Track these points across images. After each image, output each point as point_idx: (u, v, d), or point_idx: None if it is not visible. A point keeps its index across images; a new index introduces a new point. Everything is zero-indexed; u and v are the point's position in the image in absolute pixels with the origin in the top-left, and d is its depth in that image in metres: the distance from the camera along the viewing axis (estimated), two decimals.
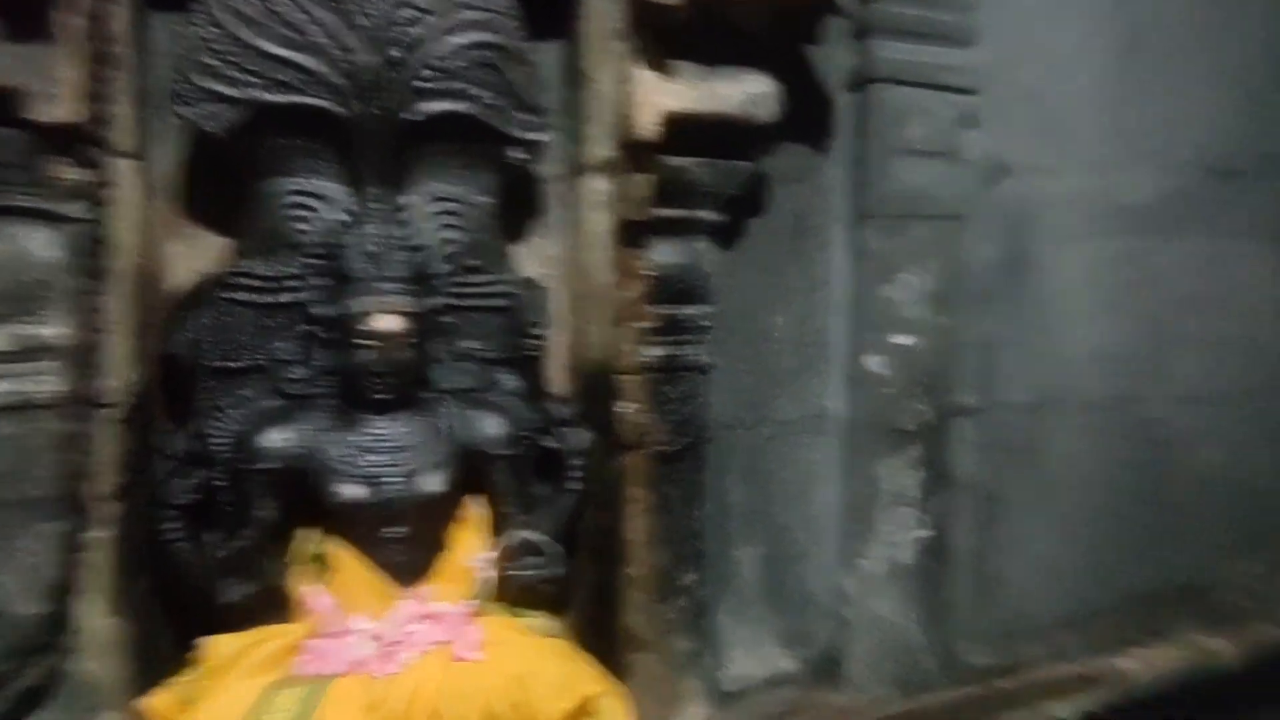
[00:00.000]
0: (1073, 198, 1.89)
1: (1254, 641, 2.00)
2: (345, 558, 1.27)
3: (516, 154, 1.41)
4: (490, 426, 1.39)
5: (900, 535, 1.64)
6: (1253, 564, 2.21)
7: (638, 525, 1.43)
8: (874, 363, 1.59)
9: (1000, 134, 1.76)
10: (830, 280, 1.62)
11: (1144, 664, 1.88)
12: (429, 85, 1.34)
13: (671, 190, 1.35)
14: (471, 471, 1.39)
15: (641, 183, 1.33)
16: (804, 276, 1.61)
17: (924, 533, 1.66)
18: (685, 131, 1.31)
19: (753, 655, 1.61)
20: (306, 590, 1.25)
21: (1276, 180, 2.13)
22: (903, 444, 1.63)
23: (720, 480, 1.57)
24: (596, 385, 1.47)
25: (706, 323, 1.45)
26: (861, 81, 1.57)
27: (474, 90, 1.36)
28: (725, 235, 1.51)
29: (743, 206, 1.52)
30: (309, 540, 1.30)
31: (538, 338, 1.48)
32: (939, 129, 1.61)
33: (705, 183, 1.37)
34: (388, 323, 1.29)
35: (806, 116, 1.56)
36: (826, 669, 1.65)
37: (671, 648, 1.47)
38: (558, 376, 1.54)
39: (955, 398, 1.71)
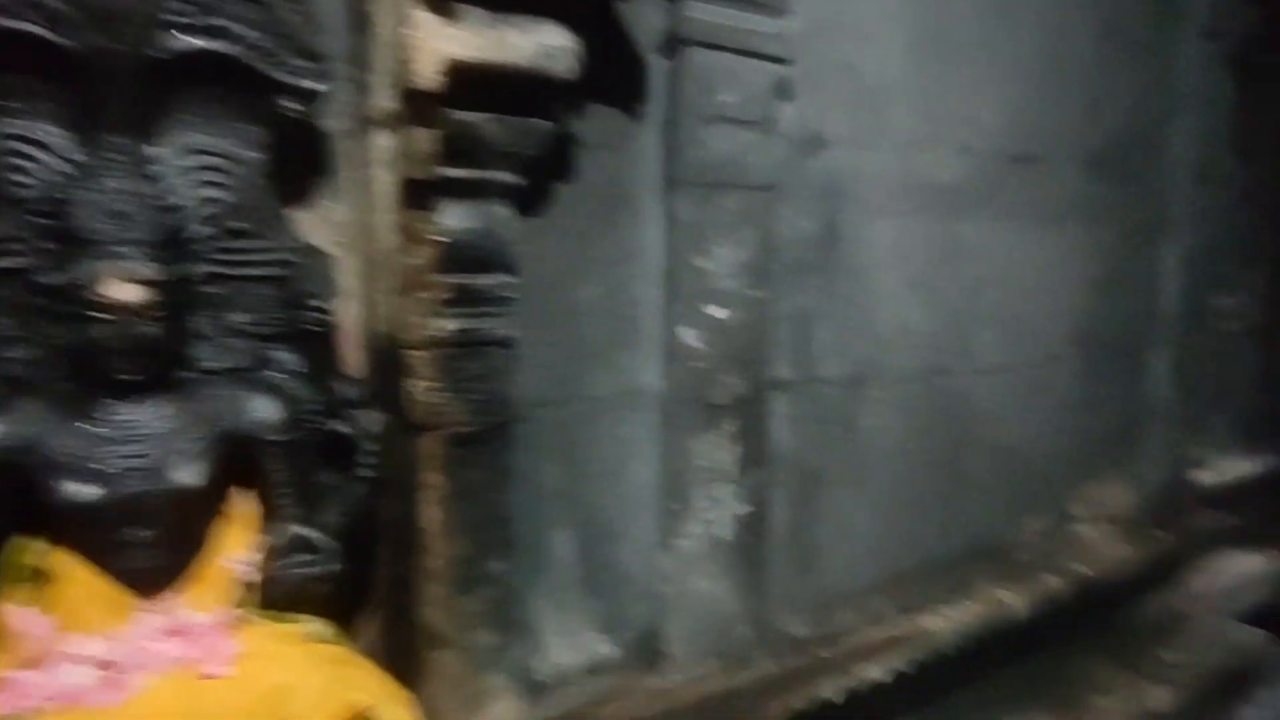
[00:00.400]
0: (885, 174, 1.94)
1: (1040, 592, 2.16)
2: (71, 568, 1.08)
3: (290, 104, 1.25)
4: (261, 409, 1.23)
5: (718, 511, 1.62)
6: (1038, 521, 2.40)
7: (434, 513, 1.32)
8: (688, 336, 1.55)
9: (815, 106, 1.77)
10: (643, 250, 1.56)
11: (948, 621, 1.99)
12: (180, 19, 1.16)
13: (461, 148, 1.23)
14: (241, 461, 1.22)
15: (426, 138, 1.21)
16: (616, 246, 1.54)
17: (742, 508, 1.65)
18: (473, 83, 1.19)
19: (570, 643, 1.54)
20: (14, 612, 1.04)
21: (1064, 167, 2.30)
22: (718, 419, 1.60)
23: (531, 461, 1.48)
24: (388, 362, 1.34)
25: (508, 294, 1.36)
26: (674, 44, 1.51)
27: (236, 28, 1.19)
28: (529, 201, 1.42)
29: (547, 171, 1.43)
30: (23, 550, 1.09)
31: (321, 311, 1.33)
32: (752, 97, 1.59)
33: (499, 141, 1.26)
34: (126, 292, 1.11)
35: (617, 78, 1.49)
36: (646, 651, 1.62)
37: (475, 643, 1.38)
38: (349, 353, 1.39)
39: (770, 371, 1.71)
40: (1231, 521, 3.61)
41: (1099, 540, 2.46)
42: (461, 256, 1.27)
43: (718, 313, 1.57)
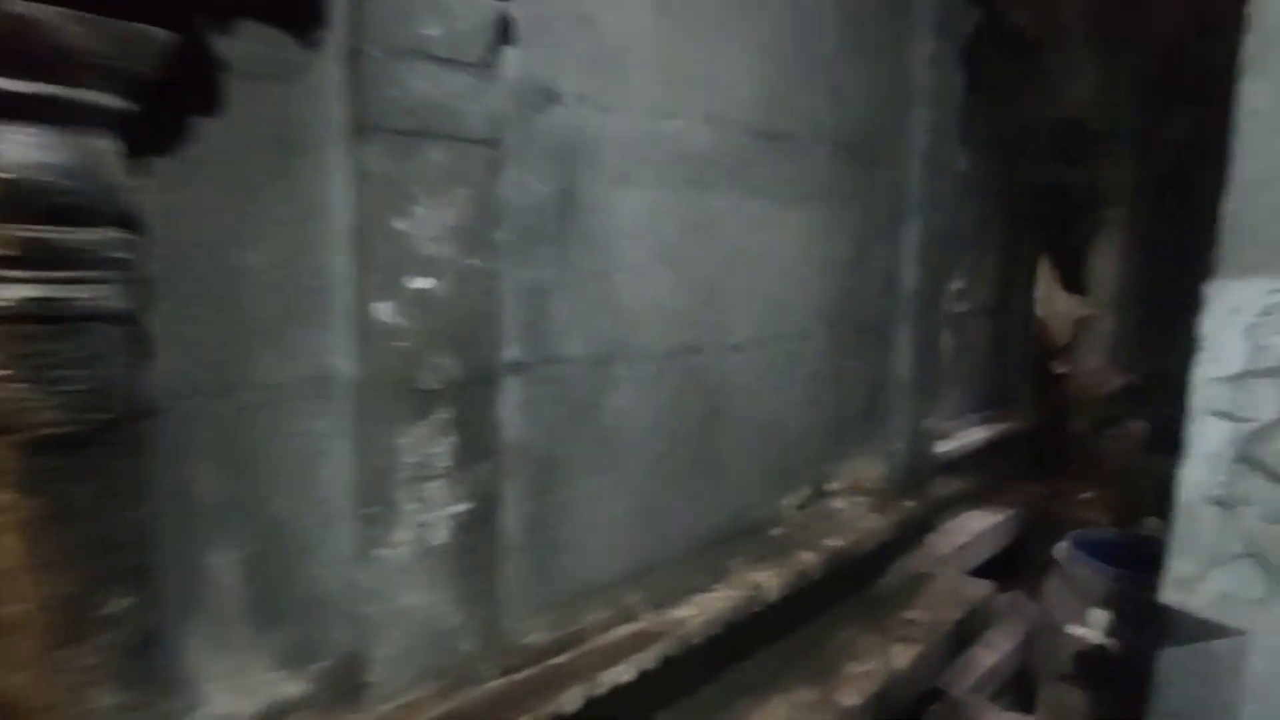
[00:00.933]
0: (629, 139, 1.81)
1: (795, 570, 2.16)
2: None
3: None
4: None
5: (430, 513, 1.40)
6: (796, 497, 2.42)
7: (10, 543, 1.00)
8: (385, 311, 1.32)
9: (546, 57, 1.59)
10: (327, 209, 1.30)
11: (700, 610, 1.92)
12: None
13: (23, 52, 0.91)
14: None
15: None
16: (291, 202, 1.27)
17: (461, 507, 1.45)
18: None
19: (239, 686, 1.26)
20: None
21: (814, 148, 2.31)
22: (428, 407, 1.39)
23: (179, 466, 1.18)
24: None
25: (122, 254, 1.05)
26: None
27: None
28: (162, 138, 1.11)
29: (190, 101, 1.14)
30: None
31: None
32: (463, 34, 1.37)
33: (89, 50, 0.96)
34: None
35: None
36: (345, 683, 1.37)
37: (91, 707, 1.07)
38: None
39: (494, 351, 1.52)
40: (968, 485, 3.96)
41: (852, 512, 2.53)
42: (31, 200, 0.95)
43: (424, 284, 1.35)
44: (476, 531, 1.49)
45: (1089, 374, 5.39)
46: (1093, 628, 2.91)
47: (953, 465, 3.72)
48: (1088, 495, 4.56)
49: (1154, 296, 5.23)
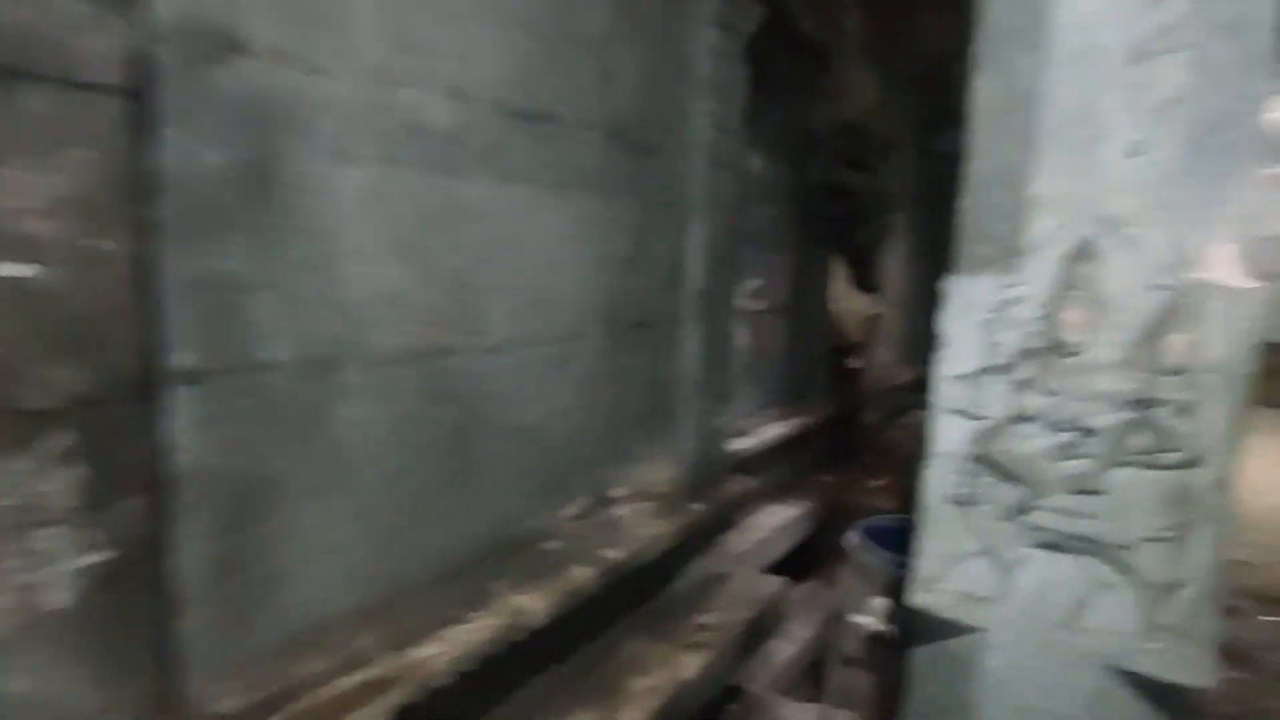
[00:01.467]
0: (352, 108, 1.55)
1: (568, 587, 2.00)
2: None
3: None
4: None
5: (42, 570, 1.08)
6: (572, 507, 2.26)
7: None
8: None
9: None
10: None
11: (448, 645, 1.69)
12: None
13: None
14: None
15: None
16: None
17: (95, 557, 1.14)
18: None
19: None
20: None
21: (582, 134, 2.15)
22: (35, 431, 1.07)
23: None
24: None
25: None
26: None
27: None
28: None
29: None
30: None
31: None
32: None
33: None
34: None
35: None
36: None
37: None
38: None
39: (150, 358, 1.21)
40: (766, 481, 4.01)
41: (636, 519, 2.40)
42: None
43: (16, 271, 1.03)
44: (122, 586, 1.17)
45: (880, 368, 5.72)
46: (873, 614, 2.99)
47: (750, 462, 3.75)
48: (879, 484, 4.81)
49: (937, 295, 5.64)
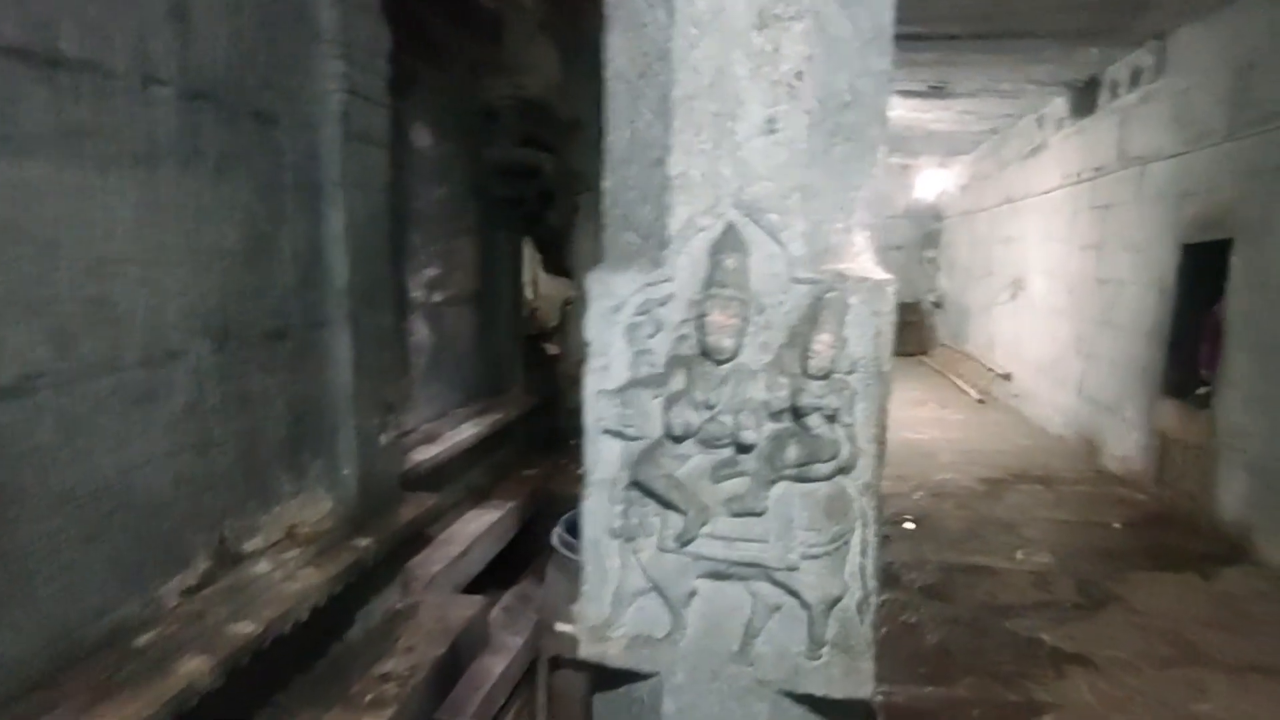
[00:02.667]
0: None
1: (168, 694, 1.52)
2: None
3: None
4: None
5: None
6: (178, 580, 1.76)
7: None
8: None
9: None
10: None
11: None
12: None
13: None
14: None
15: None
16: None
17: None
18: None
19: None
20: None
21: (146, 91, 1.63)
22: None
23: None
24: None
25: None
26: None
27: None
28: None
29: None
30: None
31: None
32: None
33: None
34: None
35: None
36: None
37: None
38: None
39: None
40: (462, 487, 3.70)
41: (281, 575, 1.95)
42: None
43: None
44: None
45: (581, 351, 5.67)
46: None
47: (442, 470, 3.41)
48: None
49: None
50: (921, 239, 12.44)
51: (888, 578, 4.05)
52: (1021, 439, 7.13)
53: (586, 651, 1.16)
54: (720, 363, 1.02)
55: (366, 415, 2.37)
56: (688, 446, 1.04)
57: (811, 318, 0.98)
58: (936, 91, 7.80)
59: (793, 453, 0.99)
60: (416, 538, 2.82)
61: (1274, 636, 3.50)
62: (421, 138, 3.40)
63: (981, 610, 3.77)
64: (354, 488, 2.33)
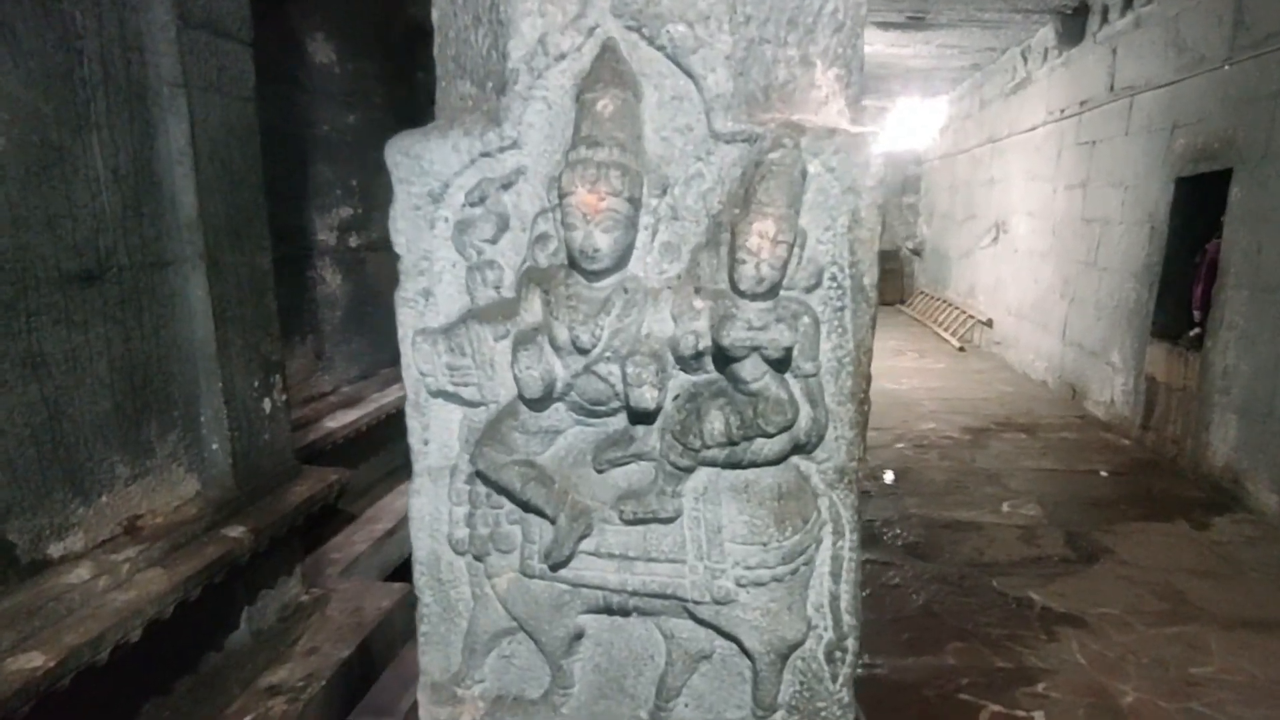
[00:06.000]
0: None
1: None
2: None
3: None
4: None
5: None
6: None
7: None
8: None
9: None
10: None
11: None
12: None
13: None
14: None
15: None
16: None
17: None
18: None
19: None
20: None
21: None
22: None
23: None
24: None
25: None
26: None
27: None
28: None
29: None
30: None
31: None
32: None
33: None
34: None
35: None
36: None
37: None
38: None
39: None
40: (388, 455, 3.29)
41: (102, 584, 1.54)
42: None
43: None
44: None
45: None
46: None
47: (365, 438, 3.00)
48: None
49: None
50: (900, 184, 12.03)
51: (867, 536, 3.77)
52: (1004, 386, 6.88)
53: (429, 717, 0.77)
54: (596, 276, 0.60)
55: (239, 377, 1.94)
56: (554, 414, 0.64)
57: (744, 198, 0.57)
58: (915, 22, 7.30)
59: (717, 422, 0.59)
60: (326, 518, 2.42)
61: (1269, 586, 3.28)
62: (323, 52, 2.90)
63: (968, 568, 3.51)
64: (225, 466, 1.92)
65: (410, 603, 2.07)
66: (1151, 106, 5.23)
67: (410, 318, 0.72)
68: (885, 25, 7.30)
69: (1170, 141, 4.97)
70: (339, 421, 2.81)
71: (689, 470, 0.65)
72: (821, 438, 0.64)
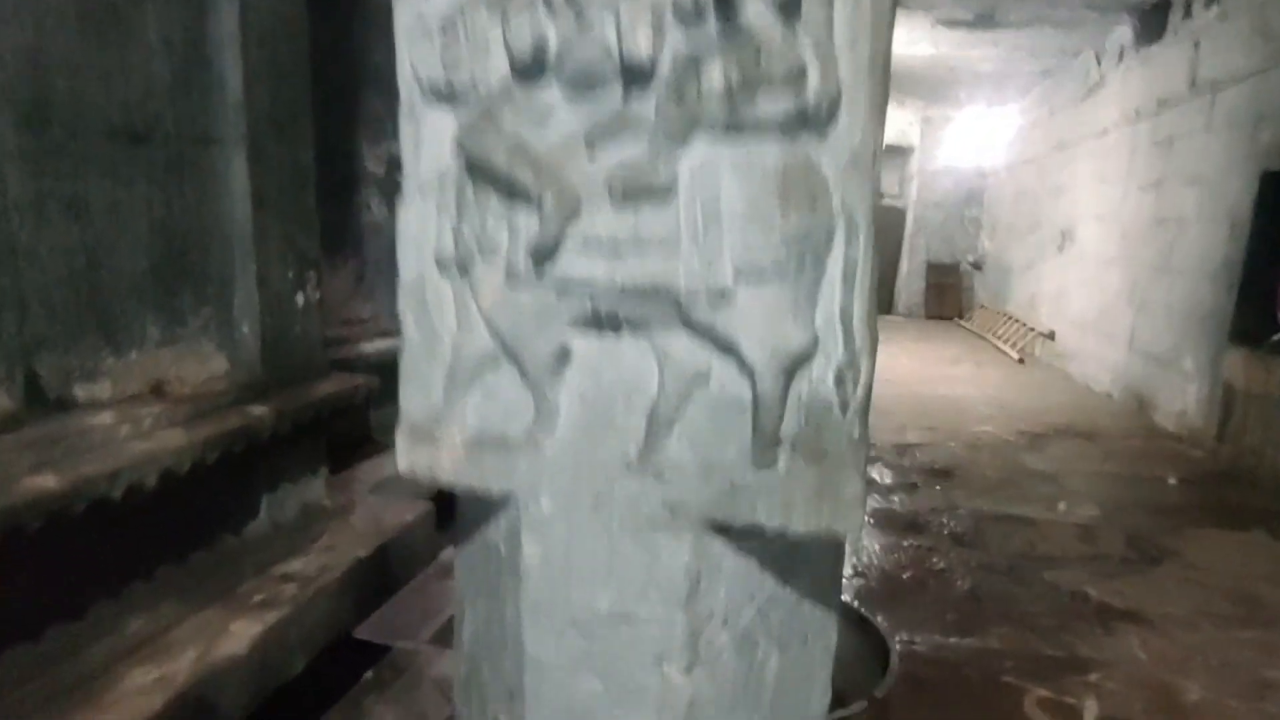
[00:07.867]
0: None
1: None
2: None
3: None
4: None
5: None
6: None
7: None
8: None
9: None
10: None
11: None
12: None
13: None
14: None
15: None
16: None
17: None
18: None
19: None
20: None
21: None
22: None
23: None
24: None
25: None
26: None
27: None
28: None
29: None
30: None
31: None
32: None
33: None
34: None
35: None
36: None
37: None
38: None
39: None
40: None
41: (125, 431, 1.55)
42: None
43: None
44: None
45: None
46: None
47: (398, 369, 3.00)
48: None
49: None
50: (964, 197, 11.73)
51: (911, 525, 3.61)
52: (1064, 396, 6.57)
53: (408, 463, 0.73)
54: None
55: (274, 265, 1.95)
56: (547, 90, 0.60)
57: None
58: (984, 21, 7.11)
59: (716, 74, 0.54)
60: (359, 444, 2.43)
61: None
62: None
63: (1018, 560, 3.30)
64: (255, 350, 1.92)
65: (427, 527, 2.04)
66: (1235, 99, 4.97)
67: (407, 3, 0.69)
68: (952, 23, 7.13)
69: (1255, 134, 4.72)
70: (375, 346, 2.82)
71: (685, 133, 0.59)
72: (833, 111, 0.58)
